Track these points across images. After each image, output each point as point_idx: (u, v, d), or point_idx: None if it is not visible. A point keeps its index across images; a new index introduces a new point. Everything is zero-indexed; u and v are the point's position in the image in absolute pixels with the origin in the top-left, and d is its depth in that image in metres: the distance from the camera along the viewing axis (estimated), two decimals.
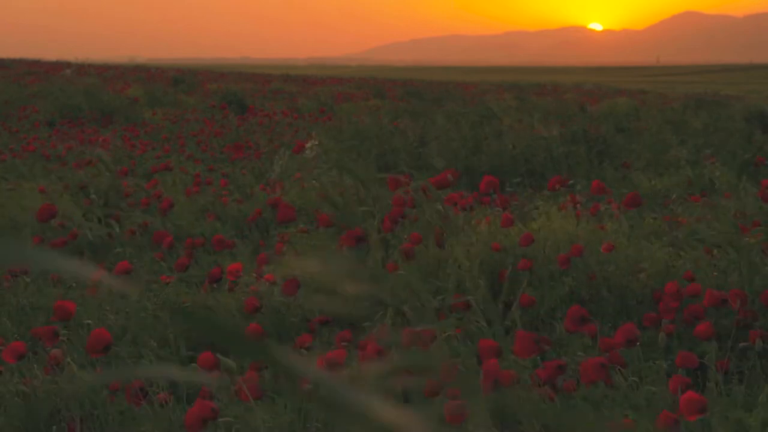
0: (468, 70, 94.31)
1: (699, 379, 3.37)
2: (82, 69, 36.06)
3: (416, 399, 3.16)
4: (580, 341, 3.73)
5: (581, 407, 2.97)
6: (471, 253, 4.75)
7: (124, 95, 20.30)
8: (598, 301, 4.36)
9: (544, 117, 15.02)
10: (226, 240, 5.38)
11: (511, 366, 3.16)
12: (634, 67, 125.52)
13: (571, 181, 6.93)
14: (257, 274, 4.79)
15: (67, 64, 39.82)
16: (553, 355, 3.61)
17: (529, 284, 4.42)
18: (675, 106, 19.70)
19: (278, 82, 34.14)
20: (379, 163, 10.88)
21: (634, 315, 4.21)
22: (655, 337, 3.77)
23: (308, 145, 10.73)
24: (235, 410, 3.01)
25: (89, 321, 4.12)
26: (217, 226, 6.70)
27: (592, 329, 3.61)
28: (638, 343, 3.29)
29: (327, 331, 4.10)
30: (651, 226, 5.56)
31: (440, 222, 5.15)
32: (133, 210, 7.09)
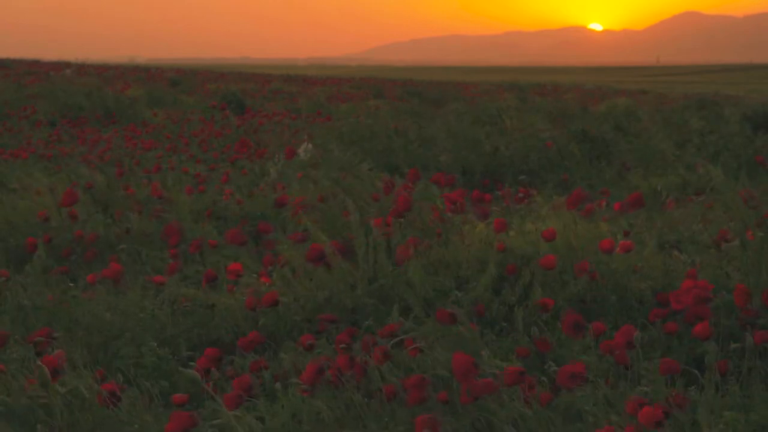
0: (468, 70, 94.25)
1: (700, 378, 3.37)
2: (82, 69, 36.07)
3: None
4: (581, 342, 3.74)
5: (564, 414, 2.97)
6: (471, 253, 4.76)
7: (125, 95, 20.30)
8: (599, 301, 4.37)
9: (544, 117, 15.03)
10: (239, 235, 5.39)
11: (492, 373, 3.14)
12: (634, 67, 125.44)
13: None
14: (260, 274, 4.80)
15: (67, 64, 39.81)
16: (552, 356, 3.62)
17: (531, 285, 4.42)
18: (675, 106, 19.70)
19: (278, 82, 34.13)
20: (380, 164, 10.89)
21: (635, 315, 4.22)
22: (654, 338, 3.77)
23: (302, 147, 10.72)
24: (229, 414, 3.01)
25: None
26: (209, 228, 6.70)
27: (599, 328, 3.62)
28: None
29: (332, 329, 4.10)
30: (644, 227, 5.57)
31: (439, 223, 5.16)
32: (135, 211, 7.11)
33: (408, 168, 10.53)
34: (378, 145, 11.24)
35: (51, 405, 3.04)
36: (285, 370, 3.61)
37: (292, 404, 3.13)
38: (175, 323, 4.30)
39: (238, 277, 4.66)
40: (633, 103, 20.14)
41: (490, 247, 4.74)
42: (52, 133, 14.63)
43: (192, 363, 3.54)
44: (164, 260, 5.50)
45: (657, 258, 4.67)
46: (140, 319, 4.26)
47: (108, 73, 35.03)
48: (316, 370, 3.15)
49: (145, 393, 3.31)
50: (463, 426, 2.98)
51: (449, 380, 3.15)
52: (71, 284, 4.86)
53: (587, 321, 3.95)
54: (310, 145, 10.89)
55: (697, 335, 3.40)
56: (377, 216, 5.28)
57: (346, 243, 4.76)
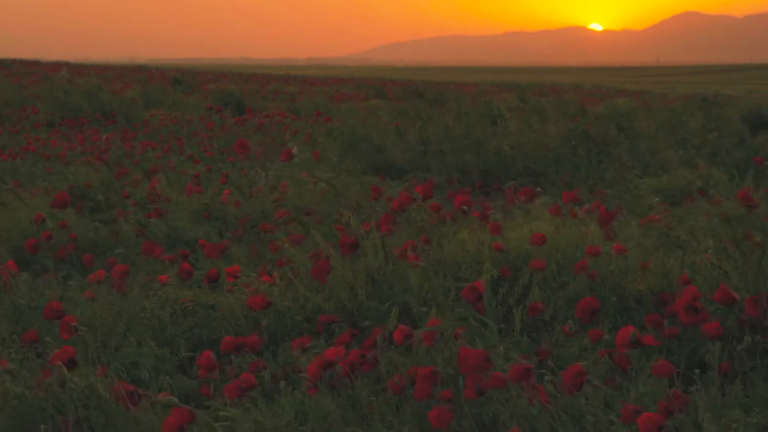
0: (468, 70, 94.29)
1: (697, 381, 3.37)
2: (82, 69, 36.06)
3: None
4: (580, 343, 3.73)
5: (564, 415, 2.97)
6: (470, 254, 4.75)
7: (124, 96, 20.29)
8: (599, 301, 4.36)
9: (544, 117, 15.02)
10: (218, 245, 5.34)
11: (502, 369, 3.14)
12: (634, 67, 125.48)
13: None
14: (258, 275, 4.79)
15: (66, 65, 39.79)
16: (551, 358, 3.60)
17: (530, 285, 4.41)
18: (675, 106, 19.70)
19: (278, 83, 34.14)
20: (378, 164, 10.89)
21: (634, 315, 4.21)
22: (656, 338, 3.76)
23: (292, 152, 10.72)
24: (232, 411, 3.01)
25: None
26: (207, 228, 6.69)
27: (597, 333, 3.61)
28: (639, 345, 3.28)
29: (332, 330, 4.10)
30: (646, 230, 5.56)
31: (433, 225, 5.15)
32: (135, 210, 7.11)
33: (408, 168, 10.54)
34: (377, 147, 11.23)
35: (65, 402, 3.04)
36: (285, 369, 3.60)
37: (294, 403, 3.12)
38: (175, 323, 4.29)
39: (236, 279, 4.65)
40: (633, 103, 20.14)
41: (487, 248, 4.73)
42: (51, 133, 14.63)
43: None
44: (158, 263, 5.48)
45: (656, 259, 4.66)
46: (140, 318, 4.25)
47: (107, 73, 35.03)
48: (322, 365, 3.16)
49: (157, 391, 3.31)
50: (468, 423, 2.97)
51: (456, 377, 3.15)
52: (69, 284, 4.85)
53: (587, 322, 3.94)
54: (296, 149, 10.89)
55: (706, 334, 3.38)
56: (375, 217, 5.27)
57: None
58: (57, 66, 38.18)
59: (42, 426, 2.92)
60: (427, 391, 2.99)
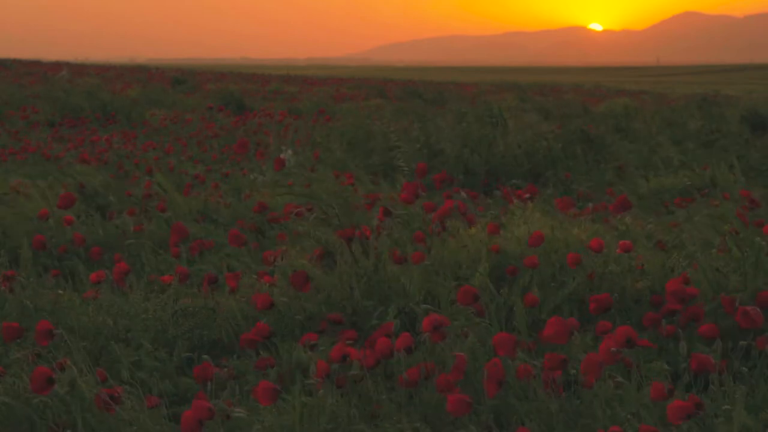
0: (468, 70, 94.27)
1: (701, 379, 3.37)
2: (83, 69, 36.05)
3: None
4: (582, 342, 3.73)
5: (588, 406, 2.97)
6: (470, 253, 4.75)
7: (125, 96, 20.30)
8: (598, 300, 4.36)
9: (544, 117, 15.02)
10: (241, 234, 5.37)
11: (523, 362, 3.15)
12: (634, 67, 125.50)
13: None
14: (260, 274, 4.79)
15: (66, 65, 39.78)
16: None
17: (530, 286, 4.42)
18: (675, 106, 19.70)
19: (278, 83, 34.15)
20: (379, 164, 10.89)
21: (633, 315, 4.21)
22: (654, 338, 3.76)
23: (285, 154, 10.74)
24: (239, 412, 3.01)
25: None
26: (210, 228, 6.69)
27: (605, 325, 3.62)
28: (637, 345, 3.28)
29: (331, 330, 4.10)
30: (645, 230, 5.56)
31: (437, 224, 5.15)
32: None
33: (408, 168, 10.53)
34: (377, 147, 11.23)
35: (52, 405, 3.03)
36: (290, 368, 3.60)
37: (302, 401, 3.12)
38: (176, 324, 4.29)
39: (238, 281, 4.65)
40: (633, 103, 20.14)
41: (484, 247, 4.74)
42: (51, 133, 14.63)
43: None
44: (162, 262, 5.48)
45: (656, 258, 4.66)
46: (141, 320, 4.25)
47: (108, 73, 35.03)
48: (340, 357, 3.17)
49: (148, 394, 3.31)
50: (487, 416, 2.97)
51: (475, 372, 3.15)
52: (65, 288, 4.84)
53: (586, 321, 3.95)
54: (290, 151, 10.89)
55: (704, 335, 3.39)
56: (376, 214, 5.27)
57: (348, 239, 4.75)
58: (57, 66, 38.18)
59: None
60: (450, 383, 2.97)
